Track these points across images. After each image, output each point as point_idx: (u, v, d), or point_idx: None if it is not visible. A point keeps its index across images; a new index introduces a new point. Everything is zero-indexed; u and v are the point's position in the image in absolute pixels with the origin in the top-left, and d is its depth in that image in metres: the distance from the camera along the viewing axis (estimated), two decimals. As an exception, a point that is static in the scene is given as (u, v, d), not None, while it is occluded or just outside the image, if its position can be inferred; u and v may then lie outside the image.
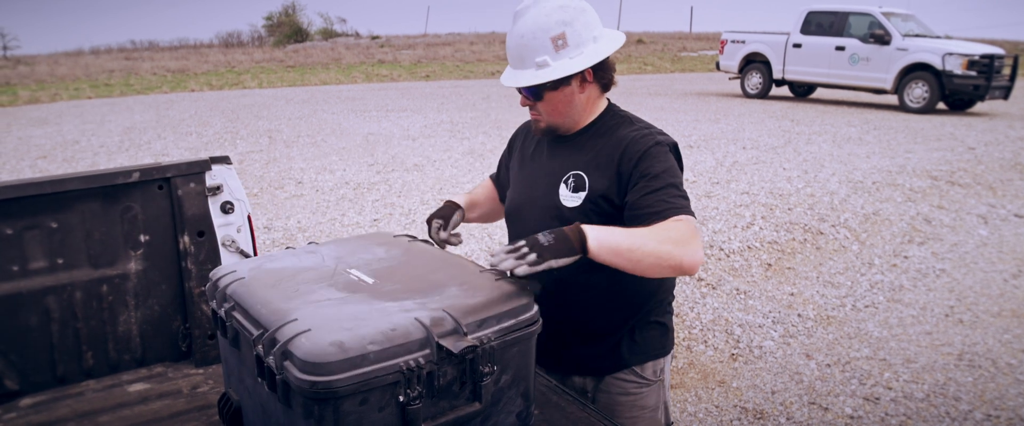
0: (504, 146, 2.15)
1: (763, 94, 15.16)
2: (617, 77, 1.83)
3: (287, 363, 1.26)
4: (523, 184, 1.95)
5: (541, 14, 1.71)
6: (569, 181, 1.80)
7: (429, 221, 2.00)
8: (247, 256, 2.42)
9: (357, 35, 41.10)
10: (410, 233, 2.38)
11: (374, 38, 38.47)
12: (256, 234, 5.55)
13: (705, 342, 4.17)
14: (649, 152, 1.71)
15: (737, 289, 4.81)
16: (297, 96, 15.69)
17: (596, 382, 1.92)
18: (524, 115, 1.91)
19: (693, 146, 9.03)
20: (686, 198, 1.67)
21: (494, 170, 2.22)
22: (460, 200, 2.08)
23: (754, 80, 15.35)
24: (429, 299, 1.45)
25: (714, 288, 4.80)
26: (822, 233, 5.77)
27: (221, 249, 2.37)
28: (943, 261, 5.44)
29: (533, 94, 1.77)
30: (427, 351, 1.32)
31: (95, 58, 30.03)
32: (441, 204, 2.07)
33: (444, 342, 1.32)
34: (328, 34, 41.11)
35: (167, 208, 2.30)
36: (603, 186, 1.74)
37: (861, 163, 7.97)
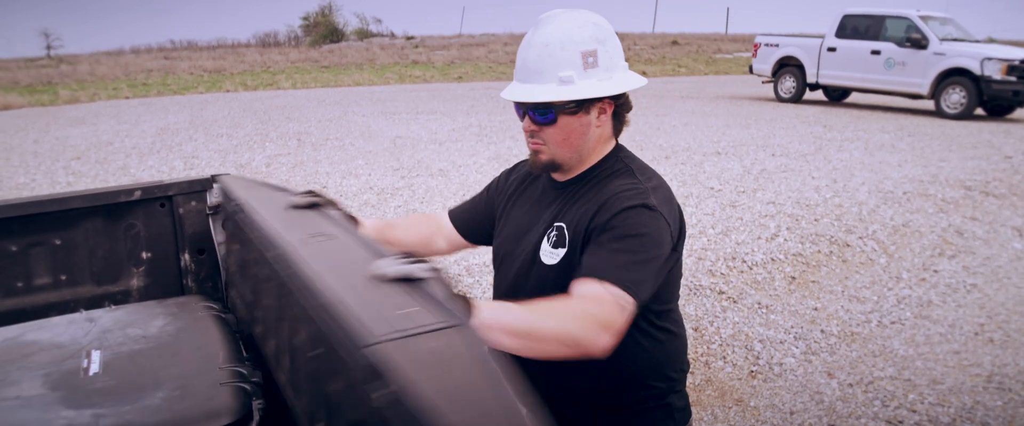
0: None
1: (796, 98, 14.95)
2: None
3: None
4: (511, 229, 1.73)
5: (573, 25, 1.48)
6: (552, 235, 1.57)
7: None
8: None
9: (392, 35, 41.45)
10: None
11: (409, 38, 38.76)
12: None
13: (724, 358, 4.09)
14: (629, 212, 1.45)
15: (759, 303, 4.72)
16: (329, 97, 15.83)
17: None
18: None
19: (721, 152, 8.92)
20: (638, 274, 1.39)
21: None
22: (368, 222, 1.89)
23: (787, 84, 15.15)
24: (120, 407, 1.23)
25: (735, 302, 4.72)
26: (849, 245, 5.65)
27: (222, 267, 2.38)
28: (975, 276, 5.28)
29: (545, 115, 1.51)
30: None
31: (135, 57, 30.68)
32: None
33: None
34: (363, 34, 41.50)
35: (169, 226, 2.32)
36: (581, 243, 1.51)
37: (892, 172, 7.80)
